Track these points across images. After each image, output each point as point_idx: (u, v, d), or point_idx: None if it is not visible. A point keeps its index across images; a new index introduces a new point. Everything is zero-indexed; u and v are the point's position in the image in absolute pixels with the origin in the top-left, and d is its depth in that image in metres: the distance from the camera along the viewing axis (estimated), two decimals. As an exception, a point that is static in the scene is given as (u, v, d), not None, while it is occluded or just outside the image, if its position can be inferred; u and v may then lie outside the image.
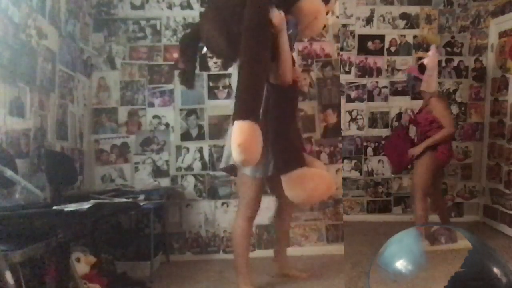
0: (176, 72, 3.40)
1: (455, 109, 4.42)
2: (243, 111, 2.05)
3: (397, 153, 3.68)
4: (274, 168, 2.41)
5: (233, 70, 2.54)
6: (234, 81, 2.39)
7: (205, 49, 2.70)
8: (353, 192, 4.53)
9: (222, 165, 2.63)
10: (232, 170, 2.64)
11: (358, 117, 4.50)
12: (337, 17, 3.51)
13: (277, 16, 2.28)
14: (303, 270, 3.00)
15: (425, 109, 3.50)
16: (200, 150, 3.43)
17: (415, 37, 4.40)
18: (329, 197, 3.45)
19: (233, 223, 2.65)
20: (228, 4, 2.32)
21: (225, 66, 3.03)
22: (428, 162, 3.47)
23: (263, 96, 2.18)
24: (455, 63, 4.40)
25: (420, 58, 4.34)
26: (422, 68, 3.49)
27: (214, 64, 3.40)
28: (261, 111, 2.22)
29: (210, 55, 3.21)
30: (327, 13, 2.68)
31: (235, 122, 2.03)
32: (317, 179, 2.29)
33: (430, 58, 3.49)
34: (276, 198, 2.90)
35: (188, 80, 2.84)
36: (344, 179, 4.29)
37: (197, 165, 3.43)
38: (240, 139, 1.99)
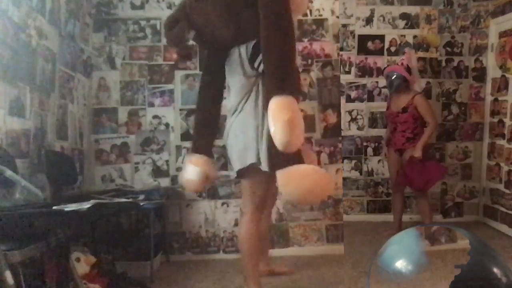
0: (177, 72, 3.42)
1: (455, 109, 4.42)
2: (285, 85, 1.86)
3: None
4: (270, 163, 2.17)
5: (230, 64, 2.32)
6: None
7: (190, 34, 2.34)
8: (353, 192, 4.53)
9: (238, 166, 2.25)
10: (245, 171, 2.28)
11: (358, 117, 4.50)
12: (337, 17, 3.50)
13: None
14: (302, 270, 3.01)
15: (410, 107, 3.62)
16: (200, 150, 3.43)
17: (415, 37, 4.41)
18: (329, 197, 3.45)
19: (242, 227, 2.40)
20: None
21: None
22: (418, 160, 3.59)
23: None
24: (455, 63, 4.40)
25: (420, 58, 4.37)
26: (408, 69, 3.72)
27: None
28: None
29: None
30: None
31: (274, 98, 1.83)
32: (316, 176, 2.07)
33: (411, 59, 3.79)
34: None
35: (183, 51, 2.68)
36: (344, 179, 4.29)
37: (197, 165, 3.43)
38: (289, 114, 1.77)
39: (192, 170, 2.35)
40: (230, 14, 2.14)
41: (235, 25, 2.15)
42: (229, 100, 2.35)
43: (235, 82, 2.30)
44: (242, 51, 2.22)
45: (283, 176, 2.08)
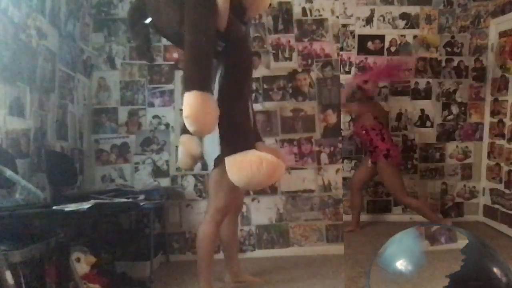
0: (177, 72, 3.42)
1: (455, 109, 4.42)
2: (189, 82, 2.03)
3: None
4: (220, 149, 2.28)
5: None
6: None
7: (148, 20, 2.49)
8: (353, 192, 4.52)
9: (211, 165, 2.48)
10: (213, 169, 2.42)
11: (358, 117, 4.49)
12: (337, 17, 3.51)
13: None
14: (302, 270, 3.01)
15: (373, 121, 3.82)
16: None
17: (415, 37, 4.40)
18: (329, 197, 3.46)
19: (201, 227, 2.46)
20: None
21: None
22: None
23: (211, 66, 2.13)
24: (455, 63, 4.39)
25: (420, 58, 4.37)
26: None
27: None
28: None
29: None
30: None
31: (184, 94, 2.02)
32: (262, 163, 2.13)
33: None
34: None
35: (144, 54, 2.75)
36: (344, 179, 4.28)
37: (197, 165, 3.42)
38: (187, 111, 1.97)
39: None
40: (176, 3, 2.16)
41: (181, 13, 2.14)
42: None
43: None
44: None
45: (231, 162, 2.18)
